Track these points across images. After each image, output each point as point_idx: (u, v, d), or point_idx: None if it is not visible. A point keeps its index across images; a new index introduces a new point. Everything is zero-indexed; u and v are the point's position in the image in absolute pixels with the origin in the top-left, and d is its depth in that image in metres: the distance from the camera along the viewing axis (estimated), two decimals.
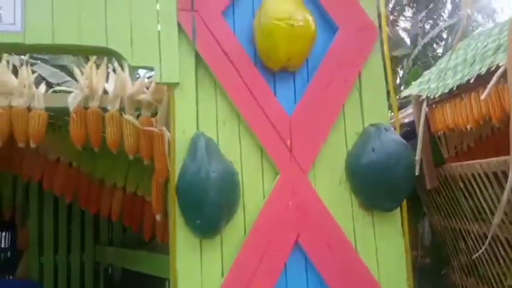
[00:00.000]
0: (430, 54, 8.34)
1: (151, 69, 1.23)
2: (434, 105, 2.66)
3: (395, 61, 7.86)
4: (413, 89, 2.78)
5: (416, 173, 2.02)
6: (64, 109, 1.83)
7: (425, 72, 2.95)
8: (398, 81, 8.17)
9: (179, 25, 1.26)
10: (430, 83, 2.63)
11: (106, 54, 1.37)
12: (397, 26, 9.71)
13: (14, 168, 2.33)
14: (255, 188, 1.27)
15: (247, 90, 1.29)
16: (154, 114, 1.88)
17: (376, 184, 1.28)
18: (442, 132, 2.71)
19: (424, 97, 2.49)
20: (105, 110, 1.83)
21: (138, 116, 1.88)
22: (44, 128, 1.79)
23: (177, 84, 1.25)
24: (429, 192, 2.42)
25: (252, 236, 1.22)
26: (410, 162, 1.33)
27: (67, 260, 3.31)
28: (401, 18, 10.05)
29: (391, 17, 9.26)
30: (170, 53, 1.24)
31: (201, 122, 1.27)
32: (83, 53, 1.41)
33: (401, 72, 8.30)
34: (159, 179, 1.86)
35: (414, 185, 1.41)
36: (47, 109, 1.80)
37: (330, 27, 1.41)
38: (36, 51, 1.35)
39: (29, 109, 1.77)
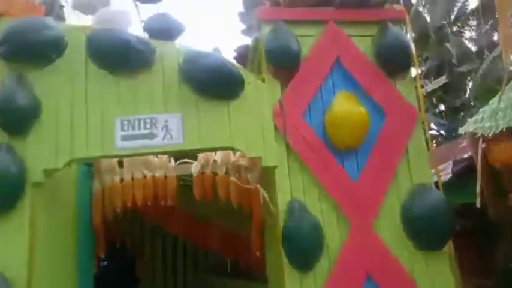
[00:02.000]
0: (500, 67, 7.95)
1: (259, 158, 1.86)
2: (489, 142, 2.92)
3: (463, 77, 7.69)
4: (469, 127, 3.08)
5: (478, 205, 2.34)
6: (188, 175, 2.56)
7: (480, 110, 3.24)
8: (467, 95, 7.96)
9: (275, 126, 1.89)
10: (484, 122, 2.93)
11: (231, 150, 2.02)
12: (462, 36, 9.31)
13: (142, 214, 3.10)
14: (334, 236, 1.82)
15: (322, 165, 1.87)
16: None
17: (424, 230, 1.76)
18: (500, 166, 2.96)
19: (479, 134, 2.79)
20: (215, 173, 2.53)
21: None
22: (176, 190, 2.52)
23: (275, 166, 1.86)
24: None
25: (335, 271, 1.76)
26: (448, 212, 1.79)
27: (174, 285, 4.06)
28: (466, 28, 9.55)
29: (455, 28, 9.00)
30: (270, 147, 1.86)
31: (293, 191, 1.86)
32: (214, 150, 2.09)
33: (470, 84, 8.03)
34: (257, 224, 2.48)
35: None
36: (178, 176, 2.55)
37: (380, 114, 1.95)
38: (190, 153, 2.08)
39: (165, 177, 2.53)
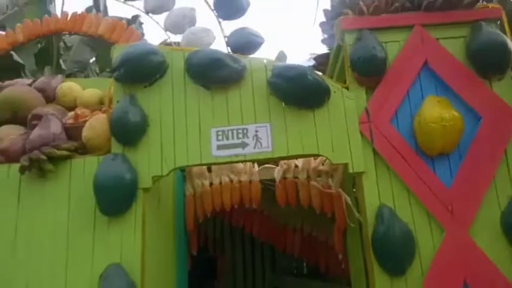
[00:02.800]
0: None
1: (346, 164, 1.91)
2: None
3: None
4: None
5: None
6: (271, 180, 2.70)
7: None
8: None
9: (361, 133, 1.93)
10: None
11: (317, 156, 2.10)
12: None
13: (223, 215, 3.29)
14: (427, 242, 1.80)
15: (412, 172, 1.86)
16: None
17: None
18: None
19: None
20: (297, 178, 2.62)
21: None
22: (260, 194, 2.67)
23: (362, 172, 1.90)
24: None
25: (429, 277, 1.74)
26: None
27: (253, 284, 4.22)
28: None
29: None
30: (357, 153, 1.90)
31: (382, 197, 1.88)
32: (303, 157, 2.18)
33: None
34: (340, 228, 2.53)
35: None
36: (261, 181, 2.69)
37: (474, 117, 1.89)
38: (277, 160, 2.22)
39: (250, 182, 2.68)
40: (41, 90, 2.62)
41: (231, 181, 2.68)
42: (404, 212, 1.84)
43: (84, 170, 2.05)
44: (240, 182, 2.68)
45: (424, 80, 1.93)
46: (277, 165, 2.67)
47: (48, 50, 7.13)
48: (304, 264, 4.12)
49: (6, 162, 2.11)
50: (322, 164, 2.59)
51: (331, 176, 2.56)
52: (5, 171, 2.08)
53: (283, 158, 2.04)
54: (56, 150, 2.02)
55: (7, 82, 2.67)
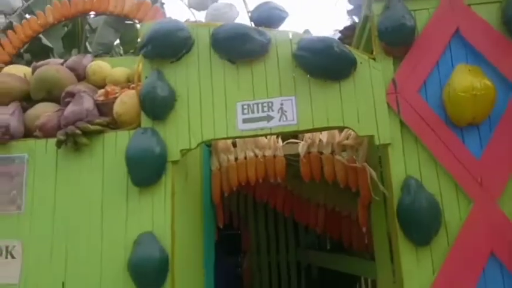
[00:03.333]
0: None
1: (372, 136, 1.90)
2: None
3: None
4: None
5: None
6: (295, 155, 2.72)
7: None
8: None
9: (387, 104, 1.91)
10: None
11: (343, 128, 2.10)
12: None
13: (247, 190, 3.35)
14: (453, 212, 1.79)
15: (441, 142, 1.83)
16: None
17: None
18: None
19: None
20: (321, 153, 2.63)
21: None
22: (285, 169, 2.70)
23: (389, 144, 1.89)
24: None
25: (455, 247, 1.74)
26: None
27: (276, 259, 4.32)
28: None
29: None
30: (383, 124, 1.89)
31: (408, 168, 1.87)
32: (328, 129, 2.19)
33: None
34: (365, 202, 2.54)
35: None
36: (285, 156, 2.72)
37: (507, 86, 1.83)
38: (303, 132, 2.23)
39: (274, 157, 2.72)
40: (72, 69, 2.70)
41: (256, 156, 2.72)
42: (431, 183, 1.83)
43: (116, 143, 2.14)
44: (264, 156, 2.72)
45: (455, 49, 1.88)
46: (302, 141, 2.69)
47: (74, 33, 7.29)
48: (327, 239, 4.17)
49: (43, 138, 2.23)
50: (347, 139, 2.59)
51: (356, 150, 2.56)
52: (42, 145, 2.19)
53: (308, 131, 2.05)
54: (89, 125, 2.11)
55: (40, 62, 2.77)
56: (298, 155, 2.70)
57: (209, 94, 2.09)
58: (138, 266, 1.92)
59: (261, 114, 2.03)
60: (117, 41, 8.51)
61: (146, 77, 2.14)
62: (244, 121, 2.04)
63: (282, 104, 2.01)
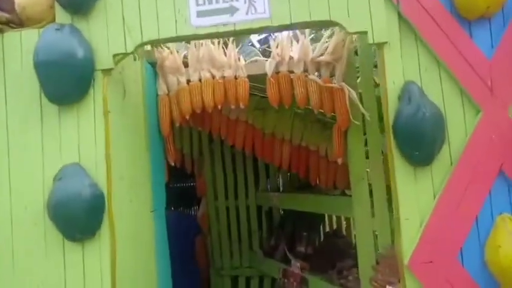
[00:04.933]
0: None
1: (365, 33, 1.50)
2: None
3: None
4: None
5: None
6: (260, 75, 2.27)
7: None
8: None
9: None
10: None
11: (328, 25, 1.67)
12: None
13: (202, 126, 2.90)
14: (458, 125, 1.49)
15: (446, 39, 1.48)
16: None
17: None
18: None
19: None
20: (291, 72, 2.21)
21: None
22: (248, 93, 2.25)
23: (385, 43, 1.50)
24: None
25: (459, 166, 1.46)
26: None
27: (235, 204, 4.00)
28: None
29: None
30: (379, 19, 1.49)
31: (406, 72, 1.51)
32: (310, 27, 1.74)
33: None
34: (342, 128, 2.19)
35: None
36: (248, 76, 2.26)
37: None
38: (278, 31, 1.72)
39: (235, 78, 2.25)
40: None
41: (213, 77, 2.24)
42: (433, 90, 1.50)
43: (21, 46, 1.55)
44: (223, 77, 2.24)
45: None
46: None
47: None
48: (289, 177, 3.89)
49: None
50: (322, 55, 2.17)
51: (332, 68, 2.17)
52: None
53: (285, 28, 1.60)
54: None
55: None
56: (261, 77, 2.26)
57: None
58: (61, 207, 1.44)
59: (221, 5, 1.53)
60: None
61: None
62: (200, 14, 1.53)
63: None
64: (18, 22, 1.63)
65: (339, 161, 2.28)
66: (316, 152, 2.85)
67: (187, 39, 1.74)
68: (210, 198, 4.01)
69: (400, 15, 1.51)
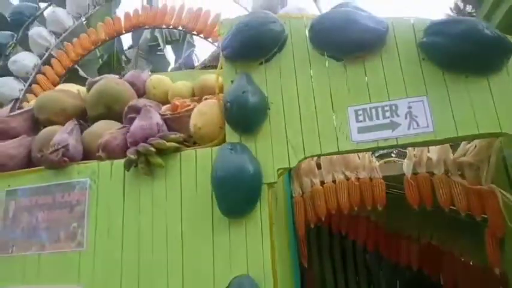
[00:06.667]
0: None
1: None
2: None
3: None
4: None
5: None
6: (395, 176, 2.24)
7: None
8: None
9: None
10: None
11: (499, 135, 1.62)
12: None
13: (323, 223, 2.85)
14: None
15: None
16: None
17: None
18: None
19: None
20: (431, 173, 2.15)
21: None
22: (385, 194, 2.22)
23: None
24: None
25: None
26: None
27: None
28: None
29: None
30: None
31: None
32: (474, 138, 1.74)
33: None
34: (495, 233, 2.00)
35: None
36: (384, 177, 2.25)
37: None
38: (441, 143, 1.74)
39: (370, 179, 2.25)
40: (131, 83, 2.39)
41: (347, 179, 2.26)
42: None
43: (196, 163, 1.74)
44: (358, 179, 2.25)
45: None
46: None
47: (110, 64, 7.28)
48: (407, 275, 3.55)
49: (107, 159, 1.86)
50: (464, 155, 2.10)
51: (476, 169, 2.06)
52: (107, 168, 1.82)
53: (450, 141, 1.60)
54: (165, 142, 1.73)
55: (96, 78, 2.48)
56: (397, 177, 2.23)
57: (310, 99, 1.68)
58: None
59: (382, 121, 1.59)
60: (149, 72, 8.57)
61: (232, 81, 1.77)
62: (360, 130, 1.60)
63: (409, 107, 1.57)
64: (189, 141, 1.86)
65: (496, 270, 2.04)
66: (450, 254, 2.62)
67: (347, 152, 1.82)
68: None
69: None
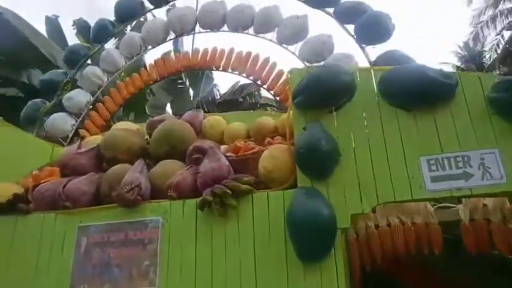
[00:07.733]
0: None
1: None
2: None
3: None
4: None
5: None
6: (450, 222, 2.26)
7: None
8: None
9: None
10: None
11: None
12: None
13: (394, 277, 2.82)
14: None
15: None
16: None
17: None
18: None
19: None
20: (488, 220, 2.16)
21: None
22: (442, 239, 2.23)
23: None
24: None
25: None
26: None
27: None
28: None
29: None
30: None
31: None
32: None
33: None
34: None
35: None
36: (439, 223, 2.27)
37: None
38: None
39: (426, 224, 2.27)
40: (189, 123, 2.50)
41: (402, 223, 2.29)
42: None
43: (269, 205, 1.79)
44: (413, 224, 2.27)
45: None
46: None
47: (134, 97, 7.50)
48: None
49: (177, 199, 1.92)
50: None
51: None
52: (179, 207, 1.88)
53: None
54: (240, 184, 1.80)
55: (156, 118, 2.60)
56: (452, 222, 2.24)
57: (381, 147, 1.75)
58: None
59: (455, 171, 1.65)
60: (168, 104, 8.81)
61: (304, 128, 1.85)
62: (433, 179, 1.66)
63: (482, 159, 1.63)
64: (258, 183, 1.92)
65: None
66: None
67: (421, 201, 1.86)
68: None
69: None
